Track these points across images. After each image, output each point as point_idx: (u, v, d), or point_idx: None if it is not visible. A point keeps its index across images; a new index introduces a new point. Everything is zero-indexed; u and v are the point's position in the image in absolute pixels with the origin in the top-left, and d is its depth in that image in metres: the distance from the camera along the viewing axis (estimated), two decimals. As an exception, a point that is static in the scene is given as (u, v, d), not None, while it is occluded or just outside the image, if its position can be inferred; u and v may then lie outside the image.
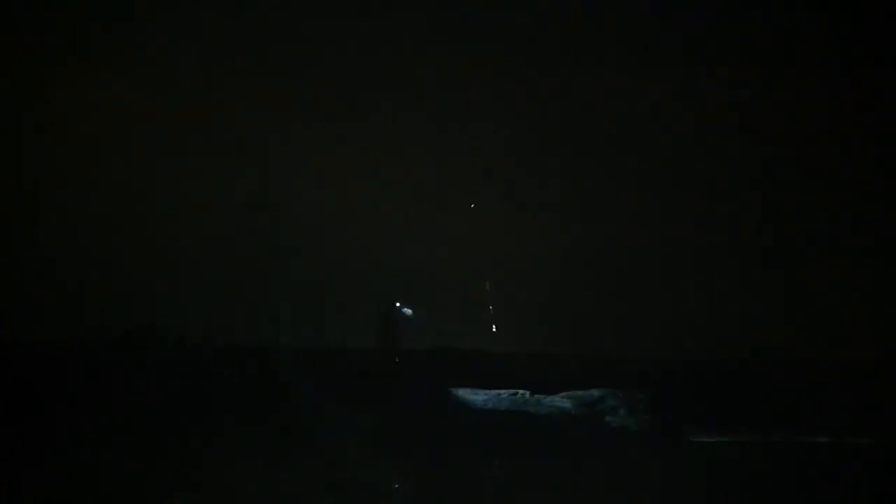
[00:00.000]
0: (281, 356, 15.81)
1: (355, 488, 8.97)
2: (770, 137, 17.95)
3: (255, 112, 17.61)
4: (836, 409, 12.74)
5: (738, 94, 17.96)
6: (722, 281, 17.24)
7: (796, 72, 17.85)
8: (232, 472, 9.37)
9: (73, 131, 17.28)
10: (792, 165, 17.86)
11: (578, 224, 17.43)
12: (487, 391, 13.47)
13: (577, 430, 11.94)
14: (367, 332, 16.34)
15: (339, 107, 17.88)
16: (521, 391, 13.32)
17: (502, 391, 13.49)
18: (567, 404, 13.03)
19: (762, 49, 18.02)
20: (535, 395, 13.41)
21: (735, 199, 17.84)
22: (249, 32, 17.84)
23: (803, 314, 16.74)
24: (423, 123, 17.75)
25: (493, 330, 14.71)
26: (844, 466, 9.99)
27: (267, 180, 17.46)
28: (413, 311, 15.73)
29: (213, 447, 10.82)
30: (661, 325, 16.52)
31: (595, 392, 13.22)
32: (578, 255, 17.31)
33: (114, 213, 17.30)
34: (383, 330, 15.74)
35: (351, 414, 11.76)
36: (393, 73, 17.86)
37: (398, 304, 15.69)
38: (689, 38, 18.02)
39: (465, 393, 13.53)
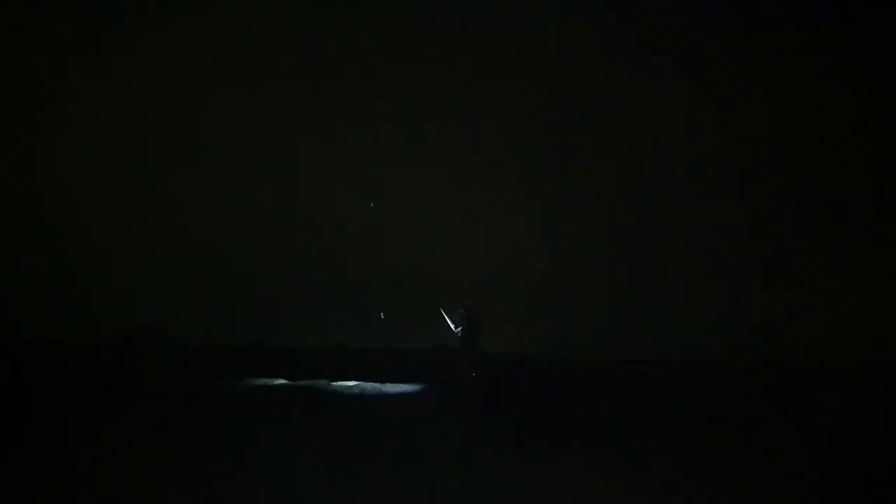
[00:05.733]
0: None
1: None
2: (771, 137, 18.01)
3: (254, 112, 17.66)
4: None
5: (737, 93, 18.04)
6: (721, 280, 17.39)
7: (797, 70, 17.90)
8: (234, 473, 9.40)
9: (72, 131, 17.33)
10: (792, 165, 17.90)
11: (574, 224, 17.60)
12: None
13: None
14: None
15: (338, 103, 17.93)
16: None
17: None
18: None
19: (766, 46, 18.04)
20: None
21: (733, 199, 17.93)
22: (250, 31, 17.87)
23: (801, 313, 16.89)
24: (418, 123, 17.80)
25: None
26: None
27: (267, 181, 17.59)
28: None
29: (213, 449, 10.84)
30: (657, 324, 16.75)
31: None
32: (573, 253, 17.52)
33: (113, 213, 17.37)
34: (466, 333, 15.87)
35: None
36: (393, 71, 17.89)
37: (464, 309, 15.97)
38: (688, 37, 18.00)
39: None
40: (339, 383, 15.78)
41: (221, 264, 17.11)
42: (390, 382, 15.78)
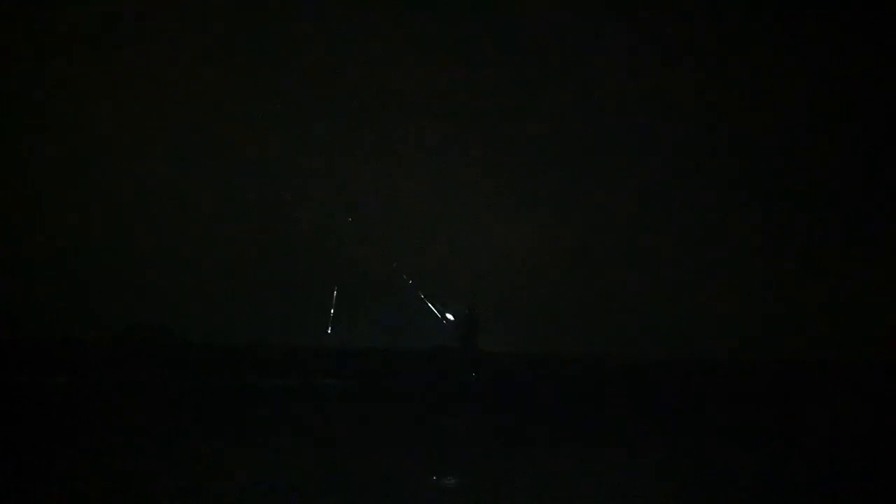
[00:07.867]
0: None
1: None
2: (768, 136, 18.01)
3: (255, 110, 17.66)
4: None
5: (737, 91, 18.03)
6: (721, 279, 17.41)
7: (798, 69, 17.89)
8: (234, 475, 9.39)
9: (72, 130, 17.34)
10: (790, 164, 17.91)
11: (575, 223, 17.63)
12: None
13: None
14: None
15: (338, 104, 17.92)
16: None
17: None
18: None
19: (765, 44, 18.04)
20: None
21: (733, 199, 17.93)
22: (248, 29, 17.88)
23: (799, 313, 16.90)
24: (416, 122, 17.79)
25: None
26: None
27: (269, 179, 17.60)
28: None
29: (212, 449, 10.84)
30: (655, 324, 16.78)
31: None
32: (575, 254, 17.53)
33: (114, 212, 17.37)
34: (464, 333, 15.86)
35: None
36: (388, 72, 17.89)
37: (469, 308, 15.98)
38: (685, 36, 18.01)
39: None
40: (339, 383, 15.79)
41: (221, 264, 17.13)
42: (390, 382, 15.78)
